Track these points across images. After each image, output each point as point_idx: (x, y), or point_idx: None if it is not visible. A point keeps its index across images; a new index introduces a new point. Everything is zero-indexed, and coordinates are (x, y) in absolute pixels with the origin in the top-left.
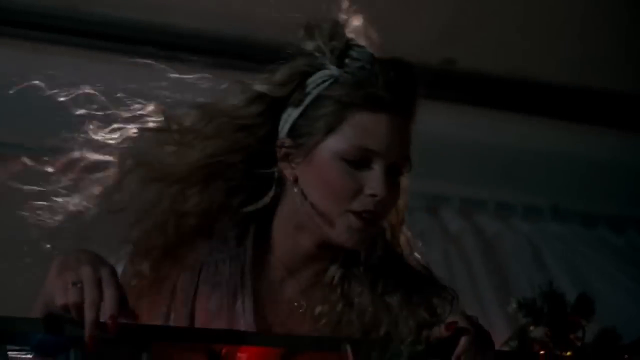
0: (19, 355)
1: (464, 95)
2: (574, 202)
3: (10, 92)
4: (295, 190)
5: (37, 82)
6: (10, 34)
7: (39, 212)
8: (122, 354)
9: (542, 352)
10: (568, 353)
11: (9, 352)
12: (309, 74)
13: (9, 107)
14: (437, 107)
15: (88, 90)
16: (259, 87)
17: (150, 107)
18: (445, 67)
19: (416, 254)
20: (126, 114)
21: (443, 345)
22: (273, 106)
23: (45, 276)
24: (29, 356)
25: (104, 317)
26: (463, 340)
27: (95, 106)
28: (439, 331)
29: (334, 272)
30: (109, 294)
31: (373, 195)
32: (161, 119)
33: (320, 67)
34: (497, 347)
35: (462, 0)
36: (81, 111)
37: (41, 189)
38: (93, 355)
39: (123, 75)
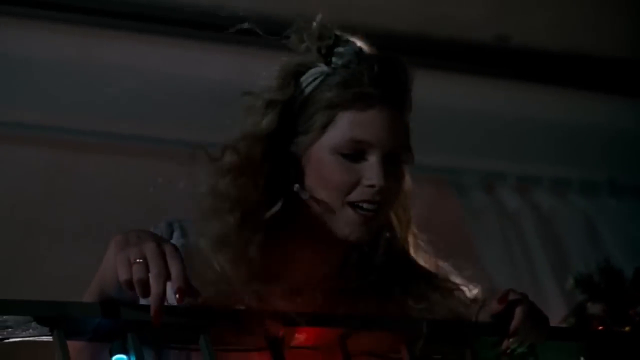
0: (76, 340)
1: (518, 72)
2: (632, 176)
3: None
4: (304, 196)
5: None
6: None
7: None
8: (179, 338)
9: (600, 328)
10: (627, 328)
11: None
12: (302, 73)
13: None
14: (491, 84)
15: None
16: (267, 95)
17: None
18: (498, 44)
19: (425, 254)
20: None
21: (497, 323)
22: (284, 111)
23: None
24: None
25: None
26: (518, 311)
27: None
28: (492, 307)
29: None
30: (175, 266)
31: (371, 186)
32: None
33: (311, 66)
34: (555, 324)
35: None
36: None
37: None
38: (150, 339)
39: None
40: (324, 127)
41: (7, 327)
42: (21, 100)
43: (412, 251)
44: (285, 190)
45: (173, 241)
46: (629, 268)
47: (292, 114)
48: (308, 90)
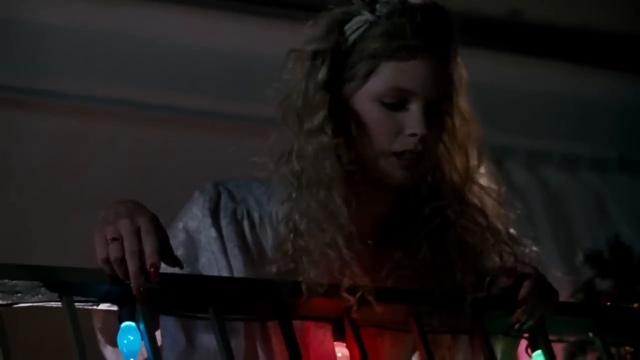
0: (85, 307)
1: (530, 46)
2: None
3: None
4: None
5: None
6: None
7: None
8: (188, 307)
9: (608, 304)
10: (635, 305)
11: (76, 304)
12: (346, 22)
13: None
14: (503, 58)
15: None
16: (309, 46)
17: None
18: (511, 18)
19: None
20: None
21: (507, 296)
22: (331, 59)
23: None
24: (95, 307)
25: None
26: (526, 284)
27: None
28: (501, 280)
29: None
30: (148, 242)
31: (413, 135)
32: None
33: (356, 14)
34: (563, 300)
35: None
36: None
37: None
38: (159, 308)
39: None
40: (367, 76)
41: (17, 292)
42: (36, 67)
43: (476, 202)
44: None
45: (222, 206)
46: (639, 245)
47: (338, 61)
48: (352, 38)
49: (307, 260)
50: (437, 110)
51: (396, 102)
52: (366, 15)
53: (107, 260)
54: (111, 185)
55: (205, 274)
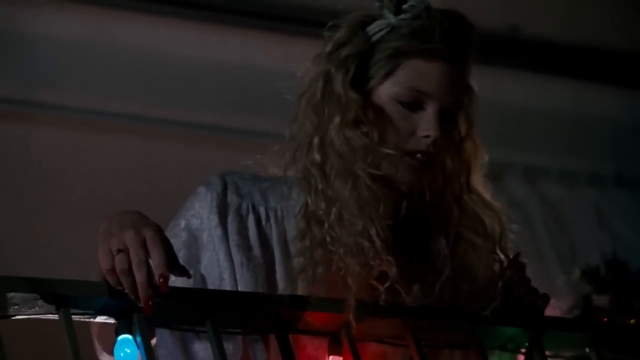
0: (82, 319)
1: (528, 62)
2: (639, 169)
3: None
4: None
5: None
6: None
7: None
8: (185, 320)
9: (605, 319)
10: (632, 320)
11: (73, 316)
12: (368, 24)
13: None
14: (501, 74)
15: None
16: (341, 52)
17: None
18: (509, 34)
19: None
20: None
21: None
22: (360, 60)
23: None
24: (92, 320)
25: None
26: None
27: None
28: (506, 274)
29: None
30: (155, 252)
31: (427, 137)
32: None
33: (378, 17)
34: (561, 315)
35: None
36: None
37: None
38: (156, 321)
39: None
40: (387, 75)
41: (14, 304)
42: (34, 79)
43: (474, 215)
44: None
45: (228, 201)
46: (636, 260)
47: (361, 62)
48: (374, 39)
49: (343, 251)
50: (451, 120)
51: (412, 102)
52: (389, 19)
53: (112, 272)
54: (109, 198)
55: (206, 276)
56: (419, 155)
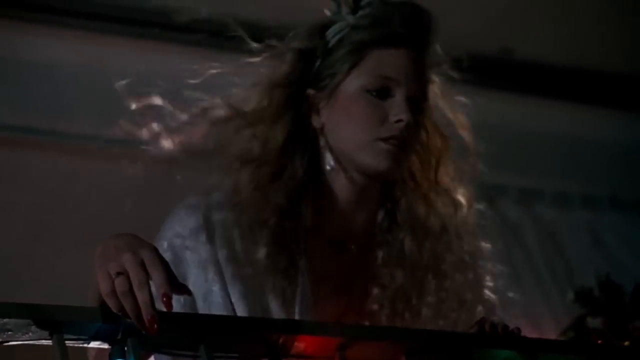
0: (76, 344)
1: (521, 85)
2: (633, 191)
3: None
4: (321, 143)
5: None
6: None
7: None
8: (178, 345)
9: (599, 341)
10: (626, 343)
11: (67, 342)
12: (328, 27)
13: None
14: (493, 97)
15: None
16: (286, 44)
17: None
18: (501, 57)
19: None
20: (192, 110)
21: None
22: (304, 62)
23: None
24: (86, 345)
25: (157, 298)
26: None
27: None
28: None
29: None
30: (155, 273)
31: (399, 121)
32: (227, 108)
33: (338, 20)
34: (555, 337)
35: None
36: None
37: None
38: (149, 346)
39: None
40: (352, 67)
41: (7, 330)
42: (28, 106)
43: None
44: (308, 136)
45: (214, 217)
46: (631, 283)
47: (314, 60)
48: (335, 39)
49: None
50: (418, 107)
51: (381, 90)
52: (348, 19)
53: (113, 295)
54: (103, 223)
55: (195, 292)
56: (392, 141)
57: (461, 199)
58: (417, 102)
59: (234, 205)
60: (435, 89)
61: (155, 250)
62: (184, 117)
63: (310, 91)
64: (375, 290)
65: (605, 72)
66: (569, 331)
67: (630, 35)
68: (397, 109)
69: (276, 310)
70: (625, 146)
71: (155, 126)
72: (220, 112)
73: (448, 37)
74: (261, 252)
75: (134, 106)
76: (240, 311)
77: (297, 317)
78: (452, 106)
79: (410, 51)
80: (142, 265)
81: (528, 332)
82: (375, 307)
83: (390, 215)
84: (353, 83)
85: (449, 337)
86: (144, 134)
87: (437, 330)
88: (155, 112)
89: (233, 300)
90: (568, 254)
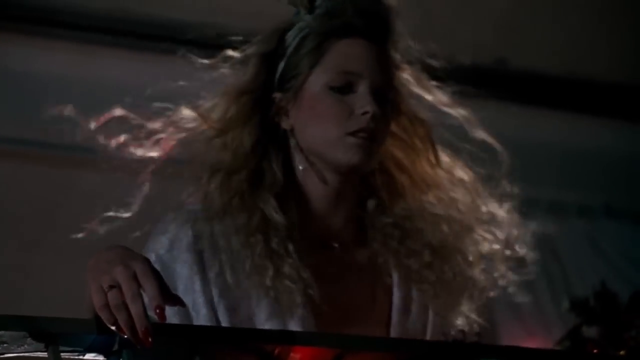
0: (71, 357)
1: (517, 95)
2: (628, 201)
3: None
4: (292, 144)
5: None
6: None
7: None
8: (173, 356)
9: (595, 351)
10: (622, 352)
11: (62, 354)
12: (286, 30)
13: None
14: (489, 107)
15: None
16: (249, 50)
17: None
18: (497, 67)
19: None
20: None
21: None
22: (268, 66)
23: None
24: (81, 357)
25: (150, 310)
26: None
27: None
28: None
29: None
30: (148, 285)
31: (365, 113)
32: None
33: (297, 21)
34: (551, 347)
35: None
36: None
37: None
38: (145, 358)
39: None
40: (314, 65)
41: (3, 343)
42: (22, 117)
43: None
44: (278, 139)
45: (201, 228)
46: (626, 291)
47: (277, 63)
48: (296, 41)
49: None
50: (384, 98)
51: (344, 86)
52: (306, 20)
53: (106, 308)
54: (99, 235)
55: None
56: (361, 134)
57: (462, 174)
58: (383, 94)
59: (217, 214)
60: (407, 76)
61: (147, 262)
62: (155, 126)
63: (277, 94)
64: (374, 287)
65: (601, 81)
66: (564, 340)
67: (625, 45)
68: (362, 102)
69: (268, 319)
70: (621, 156)
71: (123, 137)
72: (190, 123)
73: (444, 48)
74: (249, 259)
75: (118, 113)
76: (225, 322)
77: (291, 325)
78: (428, 88)
79: (369, 42)
80: (134, 278)
81: (524, 341)
82: (376, 305)
83: (377, 208)
84: (317, 82)
85: (445, 348)
86: (128, 145)
87: (432, 340)
88: (122, 124)
89: (219, 312)
90: (564, 263)
